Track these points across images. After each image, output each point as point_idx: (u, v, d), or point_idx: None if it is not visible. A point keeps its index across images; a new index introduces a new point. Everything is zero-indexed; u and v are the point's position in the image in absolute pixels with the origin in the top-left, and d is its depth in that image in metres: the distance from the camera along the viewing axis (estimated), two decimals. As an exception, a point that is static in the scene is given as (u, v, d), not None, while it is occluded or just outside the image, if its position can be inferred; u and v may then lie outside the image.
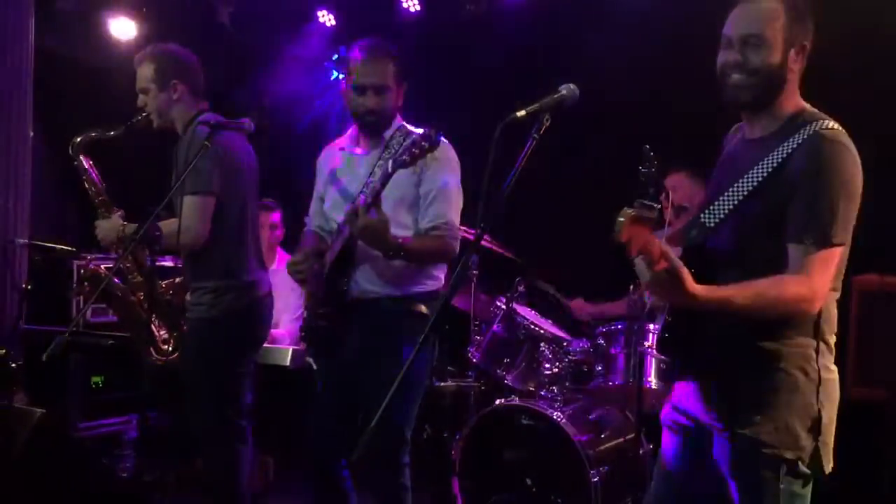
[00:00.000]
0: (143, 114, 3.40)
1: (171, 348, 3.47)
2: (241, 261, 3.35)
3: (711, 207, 2.16)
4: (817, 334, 2.15)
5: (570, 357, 4.06)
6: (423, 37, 5.52)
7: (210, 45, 3.63)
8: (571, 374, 4.07)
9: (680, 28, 4.44)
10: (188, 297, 3.39)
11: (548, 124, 2.19)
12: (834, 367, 2.20)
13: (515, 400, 3.93)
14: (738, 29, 2.15)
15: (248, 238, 3.39)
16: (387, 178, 2.76)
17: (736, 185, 2.13)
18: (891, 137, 4.06)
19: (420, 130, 2.98)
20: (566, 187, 4.92)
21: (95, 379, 4.41)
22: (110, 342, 4.13)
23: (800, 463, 2.12)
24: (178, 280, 3.55)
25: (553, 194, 4.83)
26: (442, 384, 4.37)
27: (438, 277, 3.17)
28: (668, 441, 2.40)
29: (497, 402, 3.96)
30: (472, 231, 3.62)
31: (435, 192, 3.02)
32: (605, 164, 4.60)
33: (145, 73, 3.36)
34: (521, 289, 4.21)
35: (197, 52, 3.50)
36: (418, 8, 5.52)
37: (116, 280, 3.51)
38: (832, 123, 2.12)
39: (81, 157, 3.50)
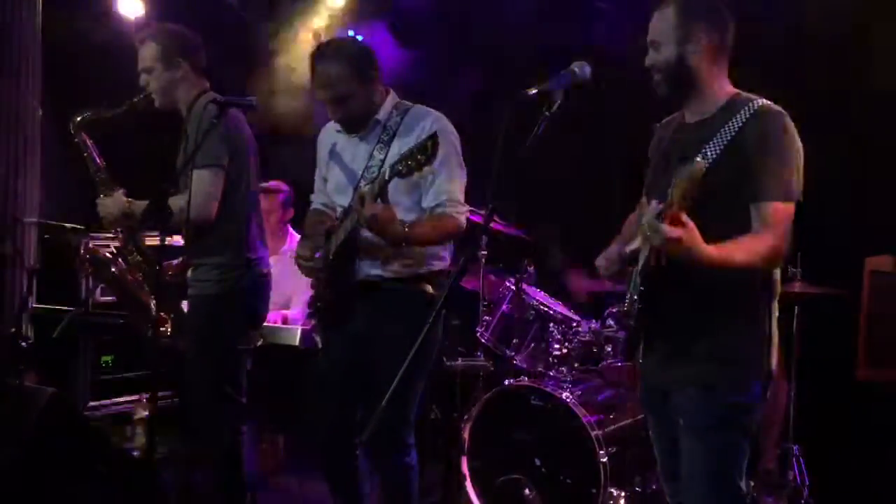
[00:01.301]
0: (145, 93, 3.37)
1: (168, 329, 3.46)
2: (247, 237, 3.35)
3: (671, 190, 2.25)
4: (770, 292, 2.38)
5: (579, 337, 4.06)
6: (431, 12, 5.47)
7: (216, 24, 3.60)
8: (580, 355, 4.06)
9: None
10: (189, 273, 3.38)
11: (559, 103, 2.27)
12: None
13: (524, 380, 3.94)
14: (648, 35, 2.42)
15: (252, 215, 3.40)
16: (385, 183, 2.74)
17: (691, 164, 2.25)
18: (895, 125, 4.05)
19: (415, 108, 3.02)
20: (578, 166, 4.90)
21: (105, 358, 4.41)
22: (120, 321, 4.13)
23: (749, 418, 2.33)
24: (175, 262, 3.53)
25: (565, 173, 4.81)
26: (451, 364, 4.37)
27: (444, 257, 3.16)
28: (651, 419, 2.58)
29: (506, 382, 3.96)
30: (482, 211, 3.60)
31: (436, 170, 2.94)
32: (617, 142, 4.58)
33: (150, 52, 3.33)
34: (530, 269, 4.19)
35: (203, 31, 3.47)
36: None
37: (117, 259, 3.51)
38: (767, 101, 2.32)
39: (83, 135, 3.47)
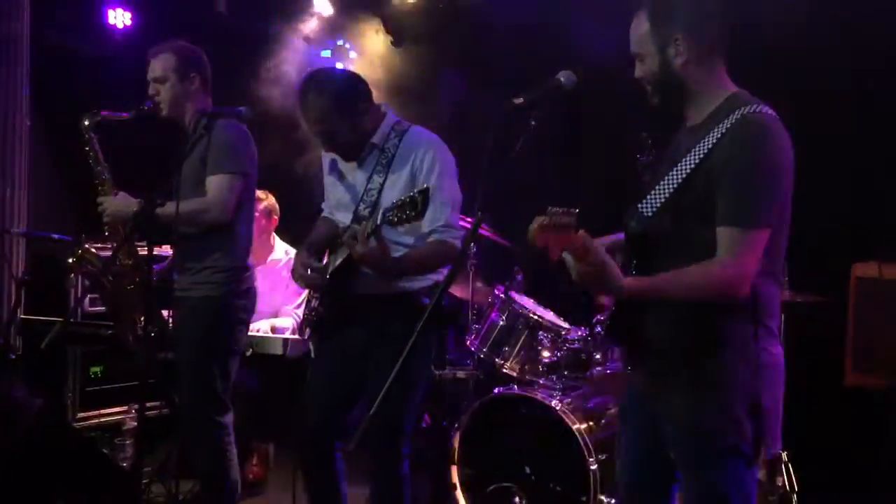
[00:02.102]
0: (153, 102, 3.44)
1: (150, 334, 3.45)
2: (248, 243, 3.49)
3: (649, 196, 2.19)
4: (755, 318, 2.16)
5: (568, 345, 4.06)
6: (419, 23, 5.50)
7: (207, 34, 3.63)
8: (570, 362, 4.06)
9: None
10: (185, 276, 3.40)
11: (539, 116, 2.26)
12: (776, 351, 2.22)
13: (514, 388, 3.93)
14: (631, 48, 2.30)
15: (252, 222, 3.53)
16: (377, 227, 2.74)
17: (670, 173, 2.17)
18: (889, 132, 4.08)
19: (412, 131, 3.05)
20: (566, 173, 4.91)
21: (94, 369, 4.40)
22: (109, 332, 4.12)
23: (743, 446, 2.14)
24: (158, 267, 3.56)
25: (553, 180, 4.82)
26: (441, 373, 4.37)
27: (441, 271, 3.16)
28: (625, 428, 2.47)
29: (496, 390, 3.95)
30: (471, 219, 3.61)
31: (431, 196, 2.99)
32: (605, 151, 4.60)
33: (167, 62, 3.41)
34: (519, 277, 4.21)
35: (194, 41, 3.53)
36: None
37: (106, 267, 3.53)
38: (760, 107, 2.15)
39: (91, 134, 3.52)
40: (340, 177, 3.19)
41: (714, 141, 2.11)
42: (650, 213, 2.18)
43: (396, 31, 5.59)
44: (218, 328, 3.38)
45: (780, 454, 3.93)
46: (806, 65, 4.34)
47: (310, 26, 5.80)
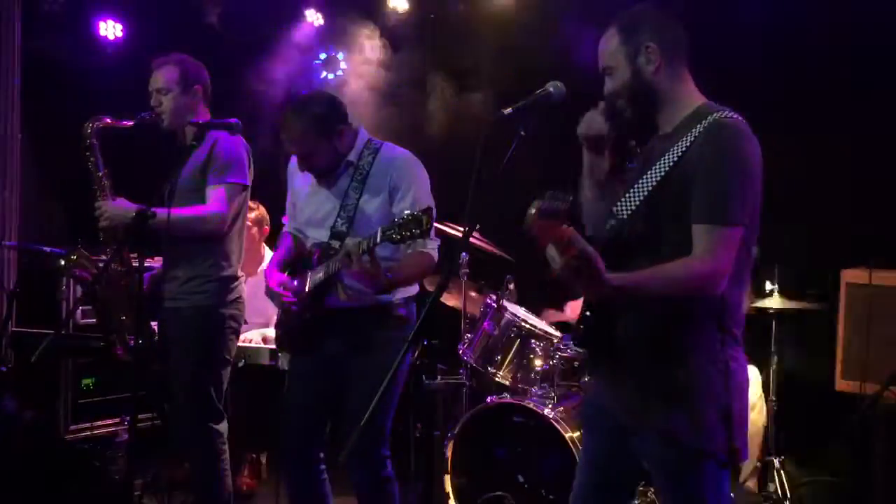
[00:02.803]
0: (154, 112, 3.47)
1: (139, 345, 3.45)
2: (239, 254, 3.52)
3: (624, 198, 2.22)
4: (721, 326, 2.19)
5: (560, 353, 4.06)
6: (410, 35, 5.52)
7: (198, 46, 3.65)
8: (563, 371, 4.06)
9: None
10: (174, 285, 3.41)
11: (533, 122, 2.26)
12: (742, 358, 2.23)
13: (507, 397, 3.94)
14: (600, 63, 2.31)
15: (244, 234, 3.57)
16: (375, 245, 2.80)
17: (646, 175, 2.19)
18: (879, 137, 4.11)
19: (384, 147, 3.15)
20: (557, 182, 4.92)
21: (86, 381, 4.40)
22: (101, 344, 4.11)
23: (718, 452, 2.16)
24: (148, 274, 3.57)
25: (543, 188, 4.83)
26: (433, 382, 4.37)
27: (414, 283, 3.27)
28: (589, 436, 2.47)
29: (488, 399, 3.96)
30: (462, 228, 3.63)
31: (407, 210, 3.04)
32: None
33: (170, 74, 3.45)
34: (511, 286, 4.21)
35: (185, 53, 3.55)
36: (406, 6, 5.53)
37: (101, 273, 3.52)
38: (731, 113, 2.18)
39: (93, 140, 3.52)
40: (315, 194, 3.25)
41: (687, 144, 2.14)
42: (625, 216, 2.20)
43: (388, 39, 5.61)
44: (210, 337, 3.40)
45: (772, 460, 3.95)
46: (799, 68, 4.37)
47: (301, 36, 5.81)
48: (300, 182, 3.32)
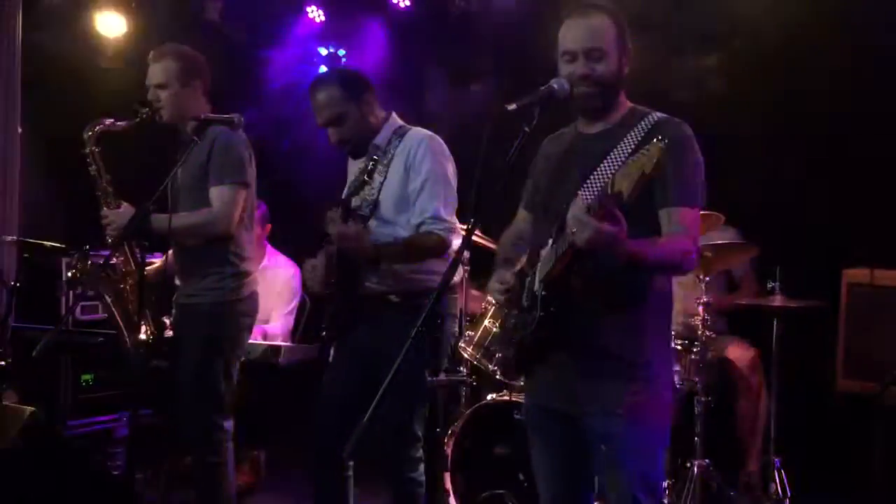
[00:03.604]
0: (149, 109, 3.41)
1: (151, 339, 3.45)
2: (251, 248, 3.53)
3: (586, 185, 2.30)
4: (669, 315, 2.43)
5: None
6: (412, 33, 5.52)
7: (199, 42, 3.63)
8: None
9: (666, 28, 4.45)
10: (191, 283, 3.40)
11: (536, 120, 2.27)
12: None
13: (507, 395, 3.93)
14: (581, 43, 2.33)
15: (252, 228, 3.56)
16: (348, 205, 2.89)
17: (600, 167, 2.30)
18: (873, 138, 4.11)
19: (411, 132, 3.15)
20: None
21: (85, 377, 4.38)
22: (100, 340, 4.10)
23: (668, 435, 2.37)
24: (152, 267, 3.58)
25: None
26: (433, 379, 4.36)
27: (440, 272, 3.17)
28: (544, 448, 2.50)
29: (489, 397, 3.96)
30: (465, 225, 3.62)
31: (419, 187, 3.07)
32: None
33: (168, 68, 3.39)
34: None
35: (186, 49, 3.50)
36: (408, 3, 5.52)
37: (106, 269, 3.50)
38: (666, 115, 2.36)
39: (93, 147, 3.47)
40: (351, 173, 3.27)
41: (641, 136, 2.28)
42: (591, 201, 2.24)
43: (390, 36, 5.60)
44: (226, 333, 3.40)
45: (773, 459, 3.95)
46: (797, 68, 4.37)
47: (302, 33, 5.81)
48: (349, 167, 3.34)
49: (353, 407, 3.12)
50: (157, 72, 3.41)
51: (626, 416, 2.27)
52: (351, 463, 3.25)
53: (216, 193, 3.33)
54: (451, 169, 3.16)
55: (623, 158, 2.24)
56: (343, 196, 3.22)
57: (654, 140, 1.96)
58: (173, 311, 3.52)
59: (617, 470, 2.31)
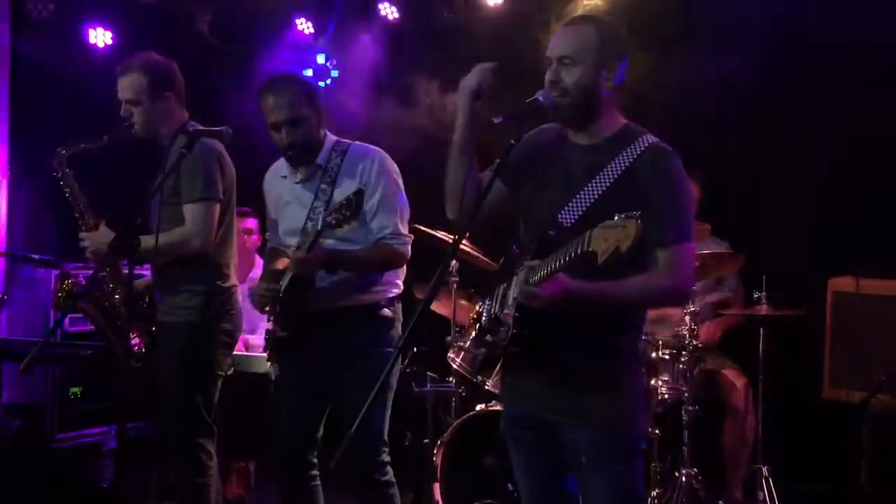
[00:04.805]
0: (127, 123, 3.35)
1: (143, 351, 3.43)
2: (229, 265, 3.42)
3: (568, 208, 2.30)
4: (639, 325, 2.43)
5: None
6: (401, 44, 5.53)
7: (188, 54, 3.62)
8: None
9: (655, 30, 4.47)
10: (166, 300, 3.37)
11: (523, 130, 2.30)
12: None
13: (496, 405, 3.94)
14: (556, 50, 2.32)
15: (233, 241, 3.47)
16: (317, 236, 2.92)
17: (587, 188, 2.29)
18: (872, 153, 4.14)
19: (353, 147, 3.19)
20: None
21: (74, 389, 4.37)
22: (88, 352, 4.09)
23: (644, 442, 2.39)
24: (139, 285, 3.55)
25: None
26: (422, 390, 4.37)
27: (396, 283, 3.29)
28: (521, 455, 2.50)
29: (478, 407, 3.96)
30: (452, 236, 3.63)
31: (377, 205, 3.13)
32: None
33: (137, 83, 3.31)
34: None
35: (175, 61, 3.48)
36: (396, 16, 5.54)
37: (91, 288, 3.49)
38: (657, 139, 2.33)
39: (67, 169, 3.44)
40: (288, 206, 3.27)
41: (630, 161, 2.27)
42: (569, 224, 2.28)
43: (379, 47, 5.62)
44: (199, 354, 3.33)
45: (761, 468, 3.96)
46: (782, 83, 4.41)
47: (292, 44, 5.81)
48: (276, 193, 3.33)
49: (312, 421, 3.26)
50: (125, 88, 3.32)
51: (602, 427, 2.29)
52: (316, 472, 3.28)
53: (189, 211, 3.23)
54: (400, 182, 3.23)
55: (608, 185, 2.25)
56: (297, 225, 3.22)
57: (633, 219, 1.95)
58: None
59: (596, 480, 2.32)
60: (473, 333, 2.50)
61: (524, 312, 2.22)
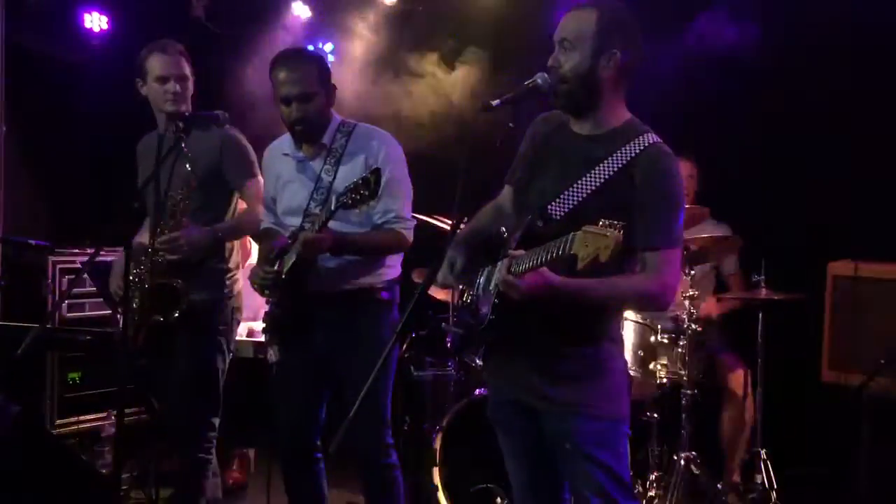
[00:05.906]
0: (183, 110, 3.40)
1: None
2: (234, 246, 3.55)
3: (559, 199, 2.29)
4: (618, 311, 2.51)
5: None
6: (398, 26, 5.51)
7: (184, 39, 3.61)
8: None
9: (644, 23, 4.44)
10: (191, 279, 3.37)
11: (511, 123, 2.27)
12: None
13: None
14: (557, 34, 2.31)
15: None
16: (331, 213, 2.84)
17: (580, 181, 2.27)
18: (870, 136, 4.12)
19: (359, 128, 3.14)
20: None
21: (72, 375, 4.37)
22: (87, 338, 4.09)
23: (625, 420, 2.38)
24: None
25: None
26: (421, 375, 4.37)
27: (394, 266, 3.26)
28: (509, 439, 2.51)
29: (477, 391, 3.97)
30: (451, 220, 3.62)
31: (383, 188, 3.02)
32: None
33: (187, 64, 3.45)
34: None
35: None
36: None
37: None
38: (658, 139, 2.30)
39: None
40: (289, 184, 3.23)
41: (628, 159, 2.24)
42: (558, 217, 2.27)
43: (376, 31, 5.59)
44: (217, 329, 3.42)
45: (759, 451, 3.97)
46: (782, 65, 4.39)
47: (287, 30, 5.78)
48: (276, 171, 3.28)
49: (313, 403, 3.25)
50: (182, 65, 3.43)
51: (583, 414, 2.29)
52: (320, 456, 3.29)
53: (249, 188, 3.38)
54: (406, 167, 3.21)
55: (602, 181, 2.24)
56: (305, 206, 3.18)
57: (616, 228, 1.94)
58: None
59: (580, 466, 2.32)
60: (455, 312, 2.50)
61: (503, 299, 2.22)
